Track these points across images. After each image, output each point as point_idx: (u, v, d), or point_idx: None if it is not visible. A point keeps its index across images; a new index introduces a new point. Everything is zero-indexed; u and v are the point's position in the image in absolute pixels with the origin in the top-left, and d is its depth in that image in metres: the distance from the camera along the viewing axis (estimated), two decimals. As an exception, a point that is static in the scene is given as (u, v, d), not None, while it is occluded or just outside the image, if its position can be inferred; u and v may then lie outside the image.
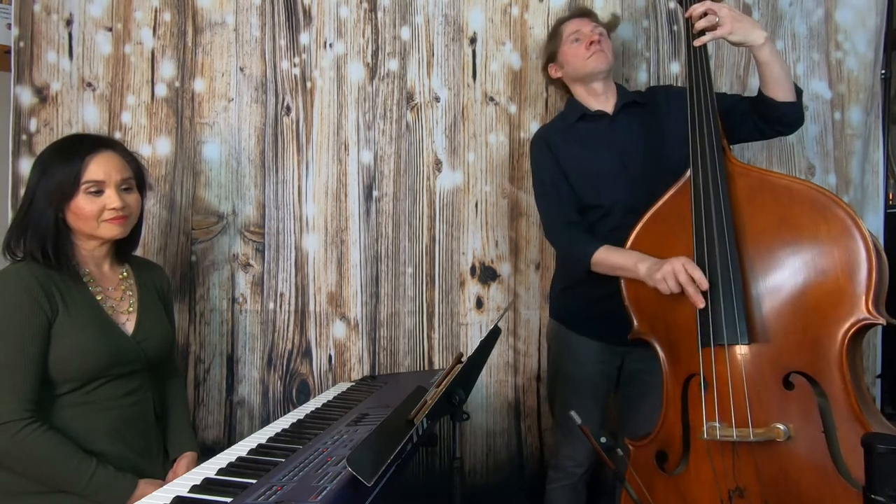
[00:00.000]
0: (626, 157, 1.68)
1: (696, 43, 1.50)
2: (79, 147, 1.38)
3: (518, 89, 2.03)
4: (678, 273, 1.35)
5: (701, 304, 1.33)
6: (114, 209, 1.37)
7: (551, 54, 1.81)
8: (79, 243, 1.40)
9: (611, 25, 1.85)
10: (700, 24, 1.48)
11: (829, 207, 1.30)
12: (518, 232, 2.02)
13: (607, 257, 1.56)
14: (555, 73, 1.82)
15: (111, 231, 1.39)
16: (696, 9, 1.49)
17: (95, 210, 1.36)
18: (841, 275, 1.27)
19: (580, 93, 1.77)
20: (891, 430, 1.25)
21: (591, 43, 1.69)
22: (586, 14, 1.80)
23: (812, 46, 2.02)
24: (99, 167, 1.36)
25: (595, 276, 1.65)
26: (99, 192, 1.36)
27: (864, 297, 1.24)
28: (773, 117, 1.56)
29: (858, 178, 2.01)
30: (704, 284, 1.33)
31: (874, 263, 1.24)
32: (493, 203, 2.03)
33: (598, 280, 1.64)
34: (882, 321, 1.23)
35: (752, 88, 2.00)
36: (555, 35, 1.80)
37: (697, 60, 1.52)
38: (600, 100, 1.75)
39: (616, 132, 1.72)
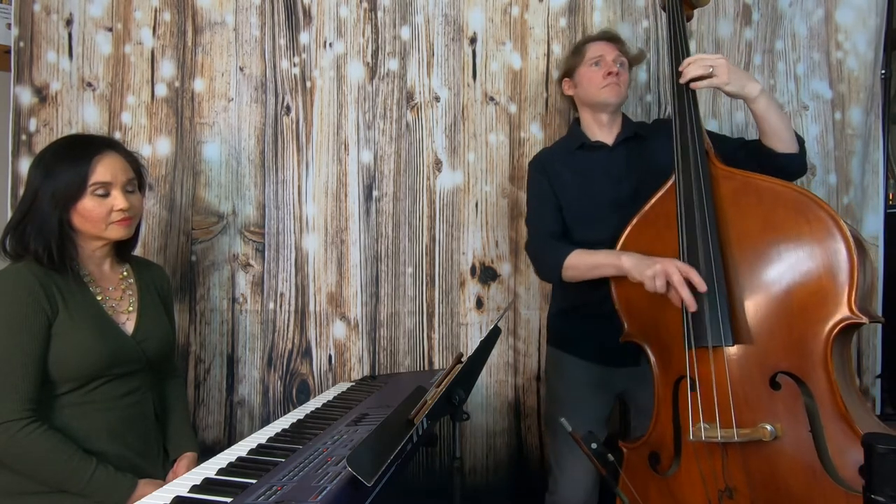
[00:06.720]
0: (619, 189, 1.67)
1: (692, 86, 1.48)
2: (85, 148, 1.38)
3: (518, 89, 2.03)
4: (671, 274, 1.33)
5: (694, 307, 1.32)
6: (121, 210, 1.37)
7: (569, 70, 1.78)
8: (81, 244, 1.40)
9: (636, 59, 1.81)
10: (694, 72, 1.45)
11: (811, 209, 1.31)
12: (518, 232, 2.02)
13: (583, 258, 1.55)
14: (568, 89, 1.80)
15: (118, 233, 1.40)
16: (689, 63, 1.47)
17: (104, 212, 1.36)
18: (824, 275, 1.28)
19: (586, 118, 1.76)
20: (883, 429, 1.26)
21: (610, 73, 1.67)
22: (614, 39, 1.76)
23: (812, 46, 2.01)
24: (106, 169, 1.36)
25: (591, 298, 1.63)
26: (105, 194, 1.37)
27: (846, 297, 1.25)
28: (773, 167, 1.48)
29: (858, 178, 2.01)
30: (703, 287, 1.32)
31: (855, 263, 1.25)
32: (493, 203, 2.03)
33: (595, 303, 1.62)
34: (864, 320, 1.24)
35: (752, 88, 2.01)
36: (577, 52, 1.77)
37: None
38: (603, 130, 1.73)
39: (612, 164, 1.70)
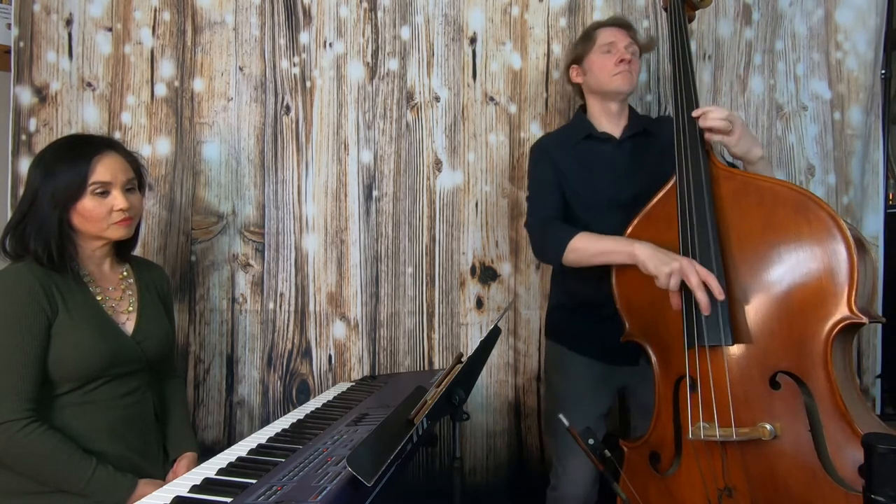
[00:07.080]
0: (622, 184, 1.65)
1: (707, 137, 1.45)
2: (84, 148, 1.38)
3: (518, 89, 2.03)
4: (689, 275, 1.31)
5: (708, 310, 1.31)
6: (121, 210, 1.37)
7: (577, 57, 1.74)
8: (81, 244, 1.40)
9: (646, 47, 1.78)
10: (716, 124, 1.42)
11: (811, 209, 1.31)
12: (518, 232, 2.02)
13: (590, 242, 1.51)
14: (576, 77, 1.75)
15: (118, 232, 1.40)
16: (716, 112, 1.44)
17: (104, 212, 1.36)
18: (823, 275, 1.28)
19: (594, 107, 1.73)
20: (883, 429, 1.26)
21: (622, 61, 1.63)
22: (625, 26, 1.71)
23: (812, 46, 2.02)
24: (105, 168, 1.36)
25: (593, 300, 1.62)
26: (105, 194, 1.37)
27: (845, 297, 1.25)
28: None
29: (858, 178, 2.01)
30: (721, 295, 1.30)
31: (855, 263, 1.25)
32: (493, 203, 2.03)
33: (595, 300, 1.62)
34: (864, 320, 1.24)
35: (752, 88, 2.01)
36: (587, 38, 1.72)
37: (683, 65, 1.52)
38: (612, 121, 1.71)
39: (618, 158, 1.68)
